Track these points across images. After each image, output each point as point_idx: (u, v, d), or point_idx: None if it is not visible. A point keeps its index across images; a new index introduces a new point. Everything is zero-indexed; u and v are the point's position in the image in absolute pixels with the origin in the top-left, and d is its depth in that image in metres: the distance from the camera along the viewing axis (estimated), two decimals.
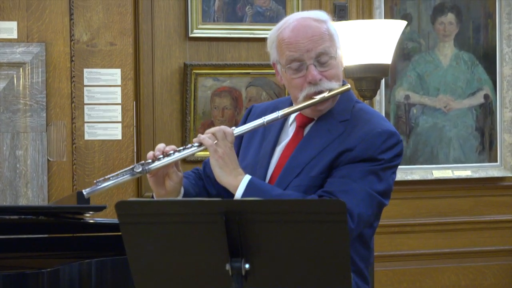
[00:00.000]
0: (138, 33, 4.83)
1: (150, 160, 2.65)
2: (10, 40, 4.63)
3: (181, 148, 2.67)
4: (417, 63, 5.30)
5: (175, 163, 2.68)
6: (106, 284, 2.96)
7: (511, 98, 5.39)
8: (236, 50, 5.02)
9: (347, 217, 2.15)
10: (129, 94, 4.75)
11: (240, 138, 2.85)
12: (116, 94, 4.74)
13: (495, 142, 5.41)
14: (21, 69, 4.61)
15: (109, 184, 2.65)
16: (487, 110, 5.41)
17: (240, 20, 5.02)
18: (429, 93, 5.32)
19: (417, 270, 5.33)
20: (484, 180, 5.41)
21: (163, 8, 4.93)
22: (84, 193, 2.65)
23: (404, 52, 5.27)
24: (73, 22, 4.68)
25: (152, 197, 2.77)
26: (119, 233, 2.22)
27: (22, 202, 4.59)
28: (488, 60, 5.39)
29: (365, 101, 4.36)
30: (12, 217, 3.06)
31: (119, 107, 4.74)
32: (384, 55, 4.30)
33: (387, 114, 5.22)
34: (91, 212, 3.20)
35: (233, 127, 2.69)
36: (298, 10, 4.92)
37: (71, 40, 4.68)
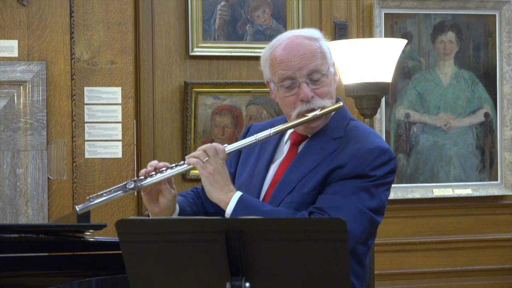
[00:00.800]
0: (138, 51, 4.83)
1: (142, 177, 2.65)
2: (10, 59, 4.63)
3: (174, 165, 2.68)
4: (418, 81, 5.31)
5: (168, 180, 2.68)
6: None
7: (511, 116, 5.39)
8: (237, 69, 5.02)
9: (347, 236, 2.13)
10: (130, 112, 4.75)
11: (238, 155, 2.87)
12: (117, 112, 4.74)
13: (495, 160, 5.41)
14: (21, 87, 4.61)
15: (102, 200, 2.64)
16: (487, 129, 5.41)
17: (240, 38, 5.02)
18: (429, 112, 5.32)
19: None
20: (484, 199, 5.41)
21: (164, 27, 4.94)
22: (77, 209, 2.64)
23: (404, 70, 5.27)
24: (73, 41, 4.69)
25: (148, 215, 2.76)
26: (120, 251, 2.22)
27: (22, 220, 4.58)
28: (488, 78, 5.40)
29: (365, 119, 4.36)
30: (12, 235, 3.06)
31: (120, 125, 4.75)
32: (385, 74, 4.30)
33: (387, 132, 5.22)
34: (91, 231, 3.20)
35: (226, 144, 2.70)
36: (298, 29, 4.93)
37: (71, 59, 4.69)
